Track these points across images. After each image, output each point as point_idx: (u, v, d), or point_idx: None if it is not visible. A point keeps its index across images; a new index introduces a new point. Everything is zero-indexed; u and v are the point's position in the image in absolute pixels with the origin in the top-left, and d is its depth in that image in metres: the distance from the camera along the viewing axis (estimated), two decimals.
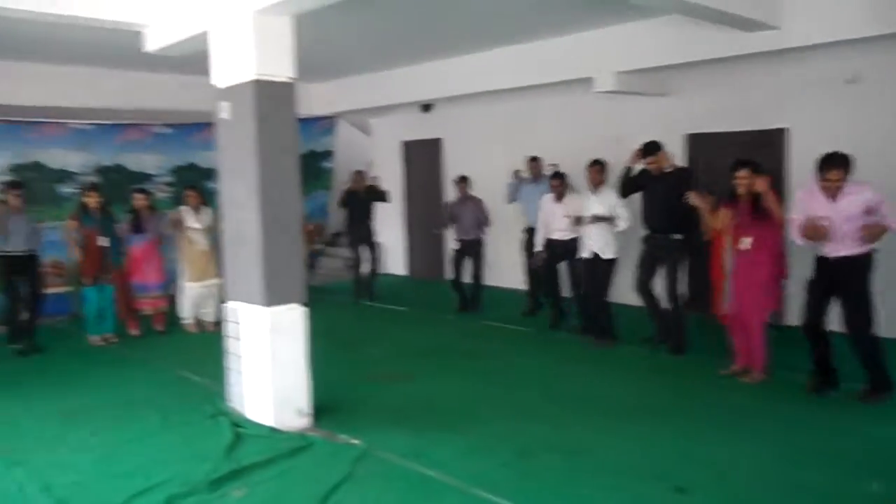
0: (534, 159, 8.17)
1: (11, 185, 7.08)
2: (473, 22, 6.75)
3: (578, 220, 6.55)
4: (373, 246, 9.24)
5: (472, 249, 8.38)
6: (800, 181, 7.01)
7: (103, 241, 7.16)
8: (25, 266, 6.98)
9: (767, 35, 5.82)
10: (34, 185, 8.06)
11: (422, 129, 10.98)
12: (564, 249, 7.07)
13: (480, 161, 9.60)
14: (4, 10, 4.79)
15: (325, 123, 10.67)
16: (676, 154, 7.88)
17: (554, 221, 7.09)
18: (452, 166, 10.30)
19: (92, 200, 7.16)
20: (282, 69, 4.64)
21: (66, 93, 8.40)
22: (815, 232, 4.82)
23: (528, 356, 6.53)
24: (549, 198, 7.17)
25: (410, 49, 8.09)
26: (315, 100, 10.27)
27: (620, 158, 6.55)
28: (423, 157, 11.00)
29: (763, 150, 7.12)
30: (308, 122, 9.68)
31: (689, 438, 4.43)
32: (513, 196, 8.34)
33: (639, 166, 6.38)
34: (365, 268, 9.33)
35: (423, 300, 9.30)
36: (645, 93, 7.68)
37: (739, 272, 5.46)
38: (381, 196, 9.27)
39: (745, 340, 5.54)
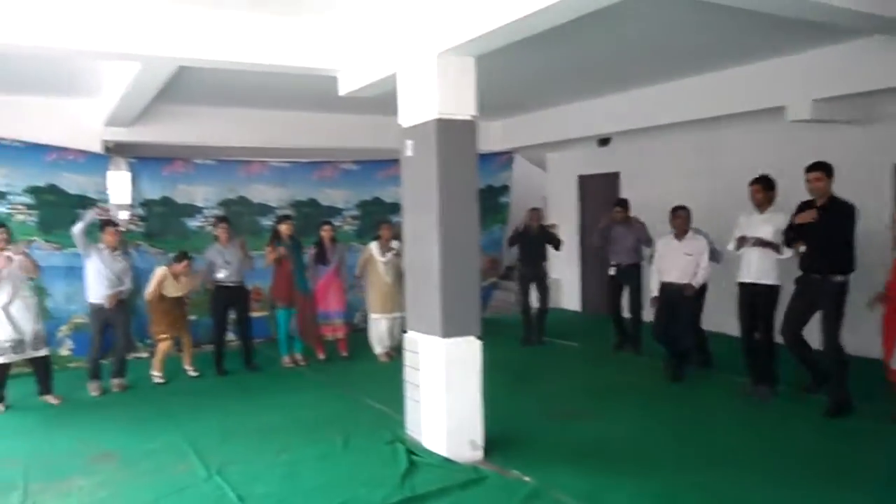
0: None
1: (219, 220, 7.88)
2: (653, 54, 6.61)
3: (741, 242, 6.02)
4: (544, 287, 8.76)
5: (628, 276, 8.02)
6: None
7: (293, 267, 7.72)
8: (238, 295, 7.68)
9: None
10: (240, 218, 8.89)
11: (599, 163, 10.85)
12: (679, 294, 6.68)
13: (658, 195, 9.28)
14: (220, 62, 5.40)
15: (502, 159, 10.86)
16: (884, 186, 7.22)
17: (670, 262, 6.75)
18: (631, 201, 10.05)
19: (285, 229, 7.75)
20: (463, 108, 4.79)
21: (269, 134, 9.27)
22: None
23: (693, 399, 6.18)
24: (667, 238, 6.86)
25: (588, 83, 8.05)
26: (493, 136, 10.52)
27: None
28: (599, 192, 10.85)
29: None
30: (486, 158, 9.89)
31: None
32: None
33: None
34: (534, 308, 8.86)
35: (596, 336, 9.07)
36: (845, 121, 7.09)
37: None
38: (553, 241, 8.80)
39: None
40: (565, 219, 10.99)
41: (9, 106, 7.86)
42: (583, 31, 5.21)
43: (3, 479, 4.60)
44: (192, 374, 7.45)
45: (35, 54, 5.29)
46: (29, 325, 6.27)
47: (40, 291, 7.75)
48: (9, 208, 7.82)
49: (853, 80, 6.25)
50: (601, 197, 10.73)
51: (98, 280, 6.77)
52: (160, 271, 7.34)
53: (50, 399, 6.51)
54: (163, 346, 7.27)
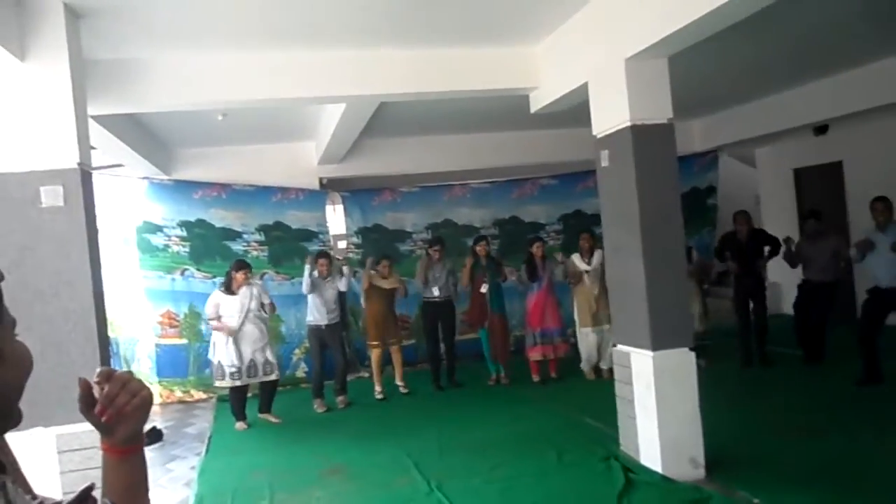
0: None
1: (433, 243, 8.30)
2: (872, 27, 5.93)
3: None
4: (761, 298, 7.78)
5: (823, 294, 7.23)
6: None
7: (484, 289, 7.83)
8: (445, 311, 8.01)
9: None
10: (448, 240, 9.28)
11: (816, 153, 9.92)
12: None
13: (890, 185, 8.28)
14: (416, 94, 5.72)
15: (706, 159, 10.32)
16: None
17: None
18: (858, 192, 9.09)
19: (480, 249, 7.94)
20: (658, 111, 4.65)
21: (467, 157, 9.57)
22: None
23: None
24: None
25: (794, 69, 7.42)
26: (694, 136, 10.03)
27: None
28: (819, 185, 9.93)
29: None
30: (688, 160, 9.46)
31: None
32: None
33: None
34: (752, 325, 7.87)
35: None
36: None
37: None
38: (770, 241, 7.80)
39: None
40: (781, 217, 10.16)
41: (239, 155, 8.86)
42: (781, 14, 4.82)
43: (253, 489, 5.12)
44: (403, 390, 7.82)
45: (260, 107, 5.95)
46: (259, 354, 6.92)
47: (275, 318, 8.63)
48: (244, 246, 8.79)
49: None
50: (822, 190, 9.83)
51: (313, 304, 7.41)
52: (367, 273, 7.90)
53: (270, 418, 7.13)
54: (374, 354, 7.75)
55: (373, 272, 7.83)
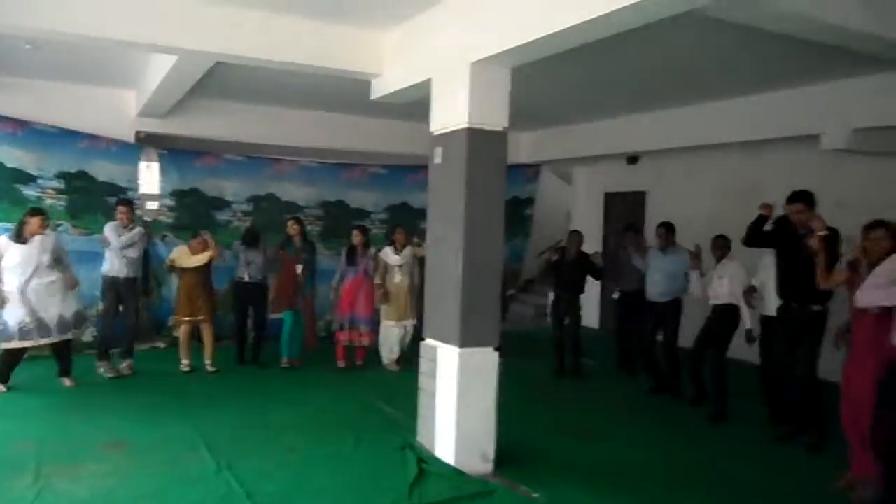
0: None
1: (246, 234, 7.97)
2: (686, 75, 6.57)
3: None
4: (576, 322, 7.96)
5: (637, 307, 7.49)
6: None
7: (299, 270, 7.70)
8: (256, 293, 7.74)
9: None
10: (267, 214, 8.94)
11: (626, 181, 10.78)
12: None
13: (685, 216, 9.16)
14: (256, 60, 5.46)
15: (530, 171, 10.85)
16: None
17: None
18: (655, 220, 9.98)
19: (293, 230, 7.76)
20: (495, 118, 4.78)
21: (300, 133, 9.30)
22: None
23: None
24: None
25: (620, 101, 8.02)
26: (522, 147, 10.49)
27: (843, 224, 5.47)
28: (624, 210, 10.78)
29: None
30: (514, 169, 9.87)
31: None
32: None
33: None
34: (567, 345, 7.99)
35: (615, 353, 8.93)
36: (883, 152, 6.98)
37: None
38: (594, 272, 7.97)
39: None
40: (589, 235, 10.90)
41: (43, 91, 7.99)
42: (617, 49, 5.18)
43: (16, 460, 4.65)
44: (210, 369, 7.46)
45: (76, 42, 5.36)
46: (52, 309, 6.33)
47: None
48: (39, 192, 7.95)
49: (892, 112, 6.14)
50: (627, 214, 10.67)
51: (112, 252, 6.93)
52: (177, 248, 7.52)
53: (66, 381, 6.60)
54: (182, 329, 7.40)
55: (180, 248, 7.45)
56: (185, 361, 7.38)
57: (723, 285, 6.26)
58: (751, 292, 6.10)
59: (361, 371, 7.79)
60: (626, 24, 3.83)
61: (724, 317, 6.29)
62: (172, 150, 8.96)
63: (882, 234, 4.38)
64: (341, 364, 7.85)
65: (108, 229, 6.97)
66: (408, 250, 7.85)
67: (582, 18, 3.76)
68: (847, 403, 4.54)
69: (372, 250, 7.97)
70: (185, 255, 7.36)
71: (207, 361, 7.49)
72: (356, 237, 7.89)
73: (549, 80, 6.73)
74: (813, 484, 4.77)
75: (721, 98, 7.48)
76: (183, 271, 7.36)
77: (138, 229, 7.14)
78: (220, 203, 9.16)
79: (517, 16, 4.27)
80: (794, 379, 5.45)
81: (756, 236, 5.68)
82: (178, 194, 8.92)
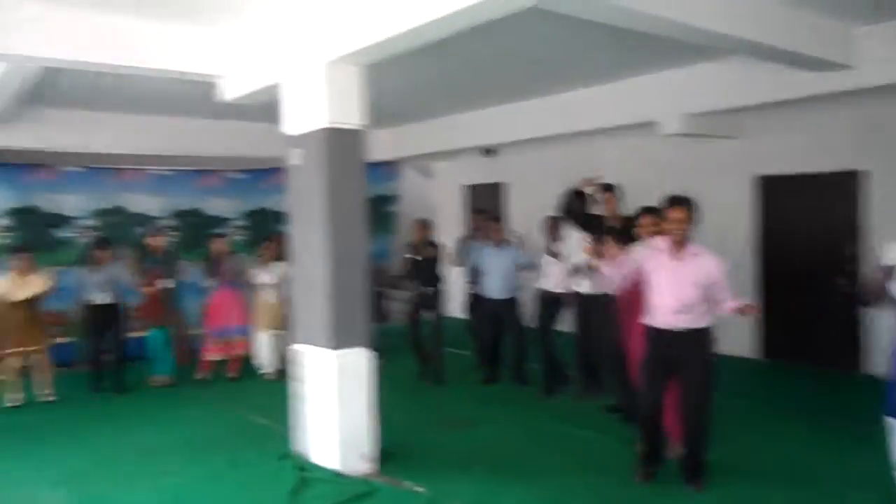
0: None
1: (97, 244, 7.26)
2: (534, 68, 6.79)
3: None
4: (438, 313, 7.43)
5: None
6: (878, 225, 6.81)
7: (166, 283, 7.32)
8: (108, 315, 7.16)
9: (841, 75, 5.65)
10: (116, 229, 8.41)
11: (484, 173, 11.05)
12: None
13: (542, 206, 9.52)
14: (84, 63, 5.10)
15: (389, 168, 10.87)
16: (746, 198, 7.77)
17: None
18: (515, 210, 10.34)
19: (154, 242, 7.34)
20: (352, 117, 4.77)
21: (143, 140, 8.67)
22: None
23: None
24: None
25: (472, 95, 8.18)
26: (380, 145, 10.47)
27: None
28: (485, 202, 11.05)
29: (837, 192, 6.96)
30: (373, 168, 9.85)
31: None
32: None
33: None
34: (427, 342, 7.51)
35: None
36: (714, 135, 7.57)
37: None
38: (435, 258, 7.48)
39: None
40: (452, 227, 11.11)
41: None
42: (467, 44, 5.28)
43: None
44: (49, 398, 6.86)
45: None
46: None
47: None
48: None
49: (722, 97, 6.63)
50: (488, 206, 10.95)
51: None
52: (2, 280, 6.76)
53: None
54: (11, 363, 6.69)
55: (3, 278, 6.70)
56: (14, 395, 6.69)
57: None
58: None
59: (235, 383, 7.55)
60: (472, 20, 3.92)
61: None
62: (3, 165, 8.23)
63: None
64: (205, 377, 7.55)
65: None
66: (281, 267, 7.37)
67: (432, 16, 3.81)
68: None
69: (234, 256, 7.73)
70: (13, 285, 6.65)
71: (47, 391, 6.87)
72: (216, 245, 7.62)
73: (402, 76, 6.77)
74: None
75: (569, 89, 7.79)
76: (9, 302, 6.66)
77: None
78: (60, 220, 8.52)
79: (370, 14, 4.26)
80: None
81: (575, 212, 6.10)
82: (16, 212, 8.22)
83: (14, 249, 6.91)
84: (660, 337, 4.38)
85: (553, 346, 6.77)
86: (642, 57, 6.42)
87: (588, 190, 6.09)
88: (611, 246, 4.95)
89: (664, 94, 7.03)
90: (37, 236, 8.26)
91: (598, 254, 5.16)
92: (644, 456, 4.54)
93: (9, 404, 6.66)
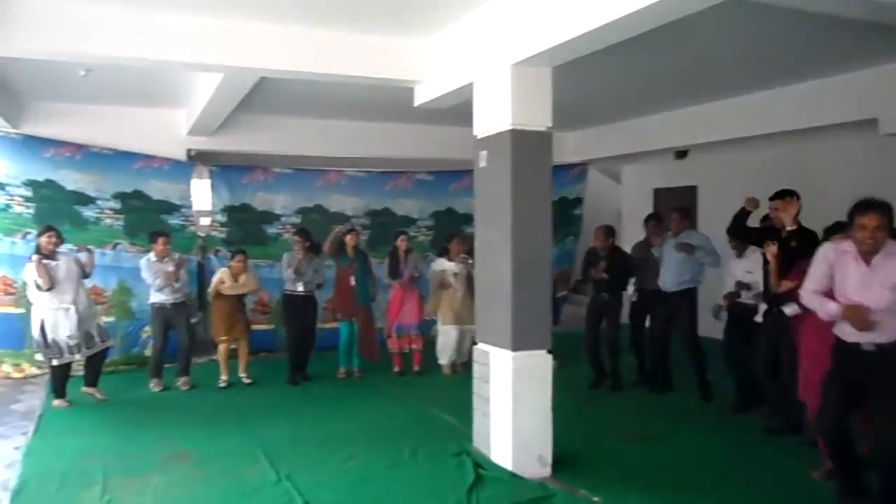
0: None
1: (297, 233, 7.85)
2: (733, 65, 6.41)
3: None
4: (615, 320, 7.25)
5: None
6: None
7: (352, 281, 7.70)
8: (307, 307, 7.70)
9: None
10: (316, 225, 9.04)
11: (676, 176, 10.59)
12: None
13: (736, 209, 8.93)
14: (299, 73, 5.54)
15: (576, 171, 10.73)
16: None
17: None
18: (707, 214, 9.78)
19: (349, 240, 7.78)
20: (538, 119, 4.75)
21: (345, 144, 9.43)
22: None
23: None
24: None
25: (666, 94, 7.87)
26: (567, 147, 10.40)
27: None
28: (675, 206, 10.56)
29: None
30: (560, 170, 9.78)
31: None
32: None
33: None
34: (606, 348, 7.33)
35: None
36: None
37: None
38: (624, 266, 7.31)
39: None
40: (639, 233, 10.75)
41: (97, 115, 8.25)
42: (660, 42, 5.08)
43: (85, 473, 4.79)
44: (246, 381, 7.53)
45: (127, 66, 5.53)
46: (91, 324, 6.57)
47: (125, 293, 8.12)
48: (97, 213, 8.20)
49: None
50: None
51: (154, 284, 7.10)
52: (220, 272, 7.56)
53: (96, 394, 6.72)
54: (221, 348, 7.48)
55: (223, 270, 7.52)
56: (223, 377, 7.44)
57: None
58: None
59: (418, 377, 7.82)
60: (666, 16, 3.76)
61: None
62: (223, 167, 9.14)
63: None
64: (397, 369, 7.90)
65: (144, 267, 7.08)
66: (467, 262, 7.65)
67: (621, 13, 3.70)
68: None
69: (415, 254, 8.03)
70: (227, 281, 7.40)
71: (242, 374, 7.56)
72: (400, 243, 7.95)
73: (591, 77, 6.66)
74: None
75: (770, 87, 7.28)
76: (217, 295, 7.45)
77: (173, 264, 7.16)
78: (270, 217, 9.30)
79: (556, 14, 4.23)
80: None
81: (736, 230, 5.71)
82: (230, 210, 9.09)
83: (233, 252, 7.66)
84: (847, 353, 3.88)
85: (747, 364, 6.23)
86: (859, 49, 5.84)
87: (750, 208, 5.61)
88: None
89: (886, 90, 6.33)
90: (250, 232, 9.09)
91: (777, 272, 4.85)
92: (845, 491, 4.06)
93: (221, 385, 7.40)
